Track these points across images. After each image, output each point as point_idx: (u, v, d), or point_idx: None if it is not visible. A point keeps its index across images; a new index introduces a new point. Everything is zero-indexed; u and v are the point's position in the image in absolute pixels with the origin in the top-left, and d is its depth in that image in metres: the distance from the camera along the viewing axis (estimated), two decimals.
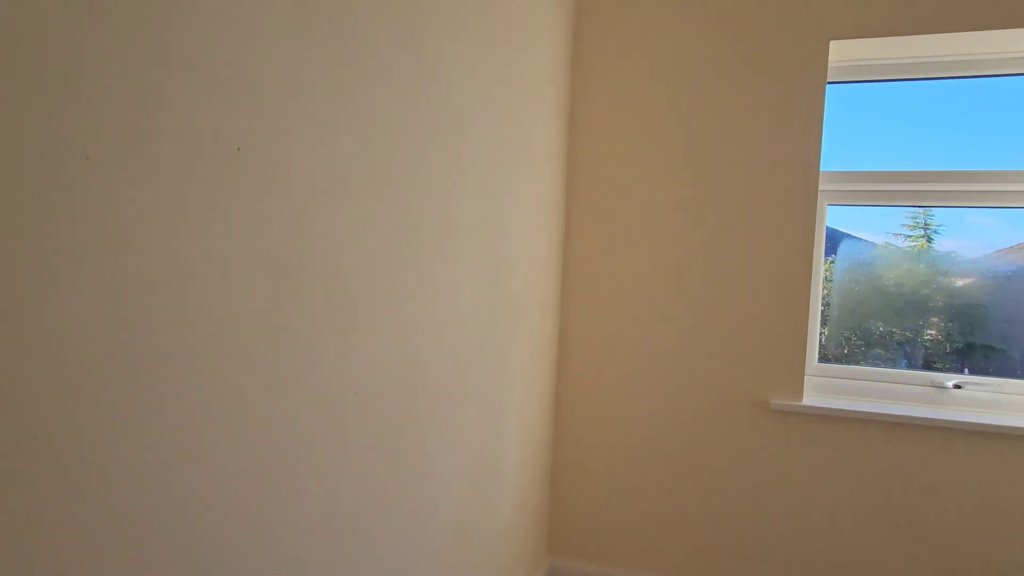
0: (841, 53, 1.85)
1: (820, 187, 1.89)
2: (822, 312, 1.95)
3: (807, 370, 1.96)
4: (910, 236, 1.60)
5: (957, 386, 1.89)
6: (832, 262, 1.95)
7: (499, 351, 1.48)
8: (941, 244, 1.57)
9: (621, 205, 1.96)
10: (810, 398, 1.93)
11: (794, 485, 1.86)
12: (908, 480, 1.76)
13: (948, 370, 1.83)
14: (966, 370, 1.76)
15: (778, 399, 1.88)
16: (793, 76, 1.81)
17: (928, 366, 1.74)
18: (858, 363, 1.94)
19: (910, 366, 1.77)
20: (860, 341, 1.74)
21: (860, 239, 1.73)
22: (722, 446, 1.91)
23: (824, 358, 1.99)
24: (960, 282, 1.58)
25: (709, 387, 1.90)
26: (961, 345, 1.62)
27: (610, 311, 1.98)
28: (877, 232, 1.73)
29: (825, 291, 1.96)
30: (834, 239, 1.92)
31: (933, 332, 1.64)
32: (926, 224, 1.58)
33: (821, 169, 1.85)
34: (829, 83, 1.83)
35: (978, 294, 1.55)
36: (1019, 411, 1.80)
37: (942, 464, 1.72)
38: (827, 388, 1.99)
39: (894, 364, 1.84)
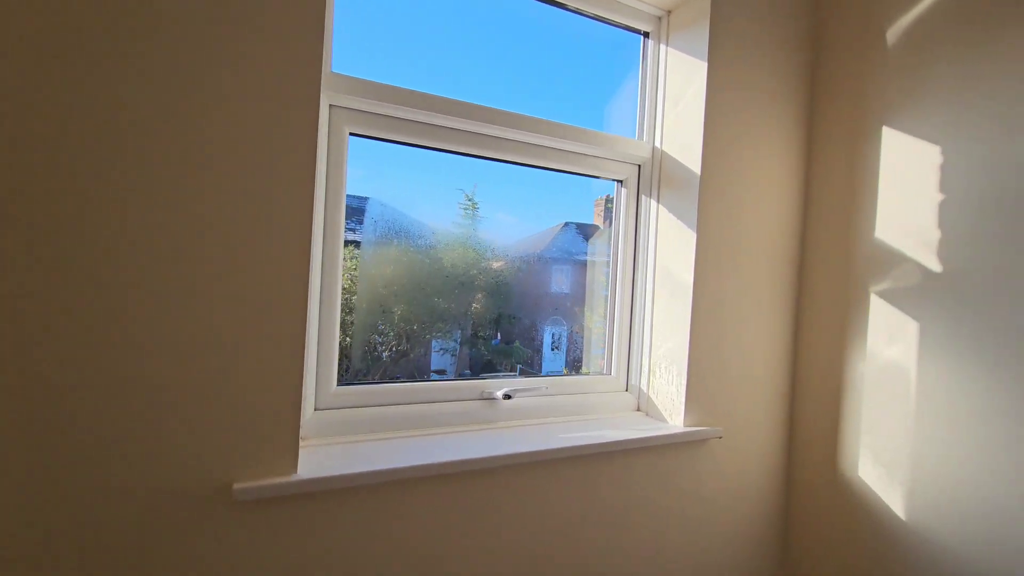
0: None
1: (332, 98, 1.32)
2: (345, 317, 1.44)
3: (313, 409, 1.35)
4: (462, 224, 1.62)
5: (508, 396, 1.37)
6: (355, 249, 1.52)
7: None
8: (483, 232, 1.65)
9: None
10: (313, 460, 1.13)
11: None
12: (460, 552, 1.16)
13: (488, 337, 1.77)
14: (498, 336, 1.77)
15: (250, 479, 0.95)
16: None
17: (475, 335, 1.75)
18: (409, 357, 1.63)
19: (462, 338, 1.74)
20: (417, 327, 1.63)
21: (422, 223, 1.59)
22: None
23: (359, 373, 1.51)
24: (496, 264, 1.68)
25: (104, 479, 0.84)
26: (496, 315, 1.75)
27: None
28: (436, 219, 1.62)
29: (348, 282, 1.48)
30: (385, 219, 1.56)
31: (478, 306, 1.72)
32: (474, 214, 1.61)
33: (333, 69, 1.28)
34: None
35: (506, 274, 1.70)
36: (565, 414, 1.66)
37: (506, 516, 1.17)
38: (349, 425, 1.38)
39: (451, 337, 1.71)
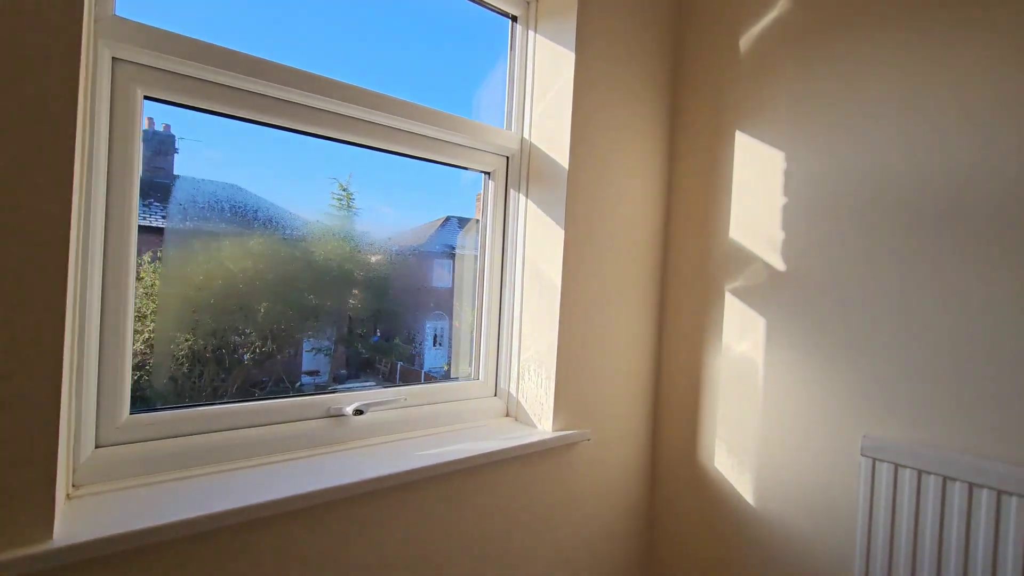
0: None
1: (116, 49, 1.05)
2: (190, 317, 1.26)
3: (94, 447, 1.08)
4: (336, 216, 1.49)
5: (359, 411, 1.19)
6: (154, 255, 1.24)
7: None
8: (360, 225, 1.54)
9: None
10: (83, 517, 0.90)
11: None
12: None
13: (366, 334, 1.65)
14: (378, 334, 1.68)
15: None
16: None
17: (352, 333, 1.64)
18: (276, 359, 1.43)
19: (338, 337, 1.61)
20: (285, 326, 1.46)
21: (291, 213, 1.44)
22: None
23: (193, 390, 1.28)
24: (374, 258, 1.59)
25: None
26: (375, 311, 1.66)
27: None
28: (308, 209, 1.46)
29: (146, 285, 1.20)
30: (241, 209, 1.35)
31: (355, 302, 1.60)
32: (349, 205, 1.49)
33: (116, 11, 1.02)
34: None
35: (385, 269, 1.62)
36: (429, 426, 1.53)
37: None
38: (148, 463, 1.13)
39: (325, 335, 1.58)
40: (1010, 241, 1.23)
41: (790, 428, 1.57)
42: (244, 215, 1.33)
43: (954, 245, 1.30)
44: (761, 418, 1.63)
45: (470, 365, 1.69)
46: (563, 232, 1.55)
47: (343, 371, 1.59)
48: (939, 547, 1.27)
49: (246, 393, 1.35)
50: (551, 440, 1.51)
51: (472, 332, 1.70)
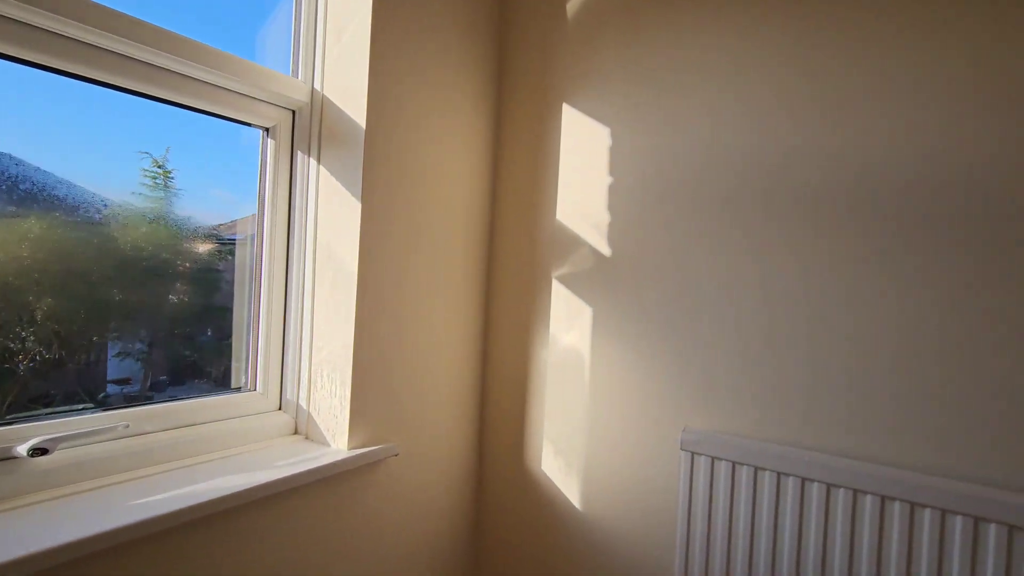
0: None
1: None
2: None
3: None
4: (151, 197, 1.27)
5: (39, 451, 0.81)
6: None
7: None
8: (182, 208, 1.31)
9: None
10: None
11: None
12: None
13: (190, 335, 1.38)
14: (208, 332, 1.41)
15: None
16: None
17: (173, 332, 1.36)
18: (67, 367, 1.14)
19: (153, 338, 1.31)
20: (77, 328, 1.17)
21: (89, 192, 1.18)
22: None
23: None
24: (201, 247, 1.36)
25: None
26: (201, 307, 1.39)
27: None
28: (110, 188, 1.20)
29: None
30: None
31: (177, 297, 1.35)
32: (167, 184, 1.27)
33: None
34: None
35: (215, 258, 1.39)
36: (175, 458, 1.16)
37: None
38: None
39: (137, 337, 1.29)
40: (824, 226, 1.22)
41: (615, 424, 1.47)
42: (14, 191, 1.06)
43: (776, 231, 1.28)
44: (588, 415, 1.51)
45: (245, 374, 1.34)
46: (360, 205, 1.27)
47: (163, 378, 1.36)
48: (751, 536, 1.24)
49: (25, 408, 1.08)
50: (345, 462, 1.23)
51: (247, 332, 1.35)
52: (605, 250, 1.48)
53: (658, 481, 1.40)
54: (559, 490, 1.55)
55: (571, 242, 1.54)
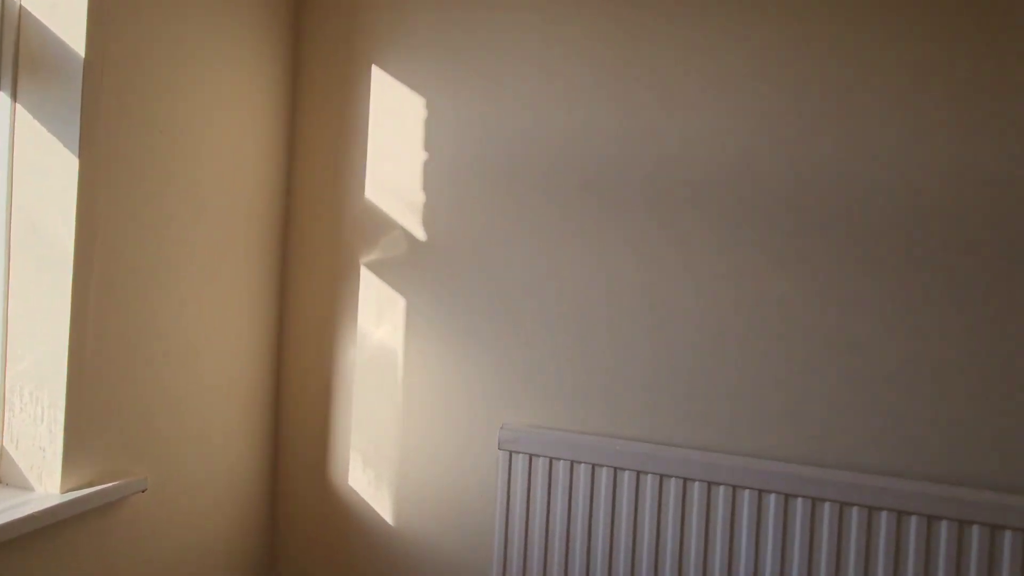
0: None
1: None
2: None
3: None
4: None
5: None
6: None
7: None
8: None
9: None
10: None
11: None
12: None
13: None
14: None
15: None
16: None
17: None
18: None
19: None
20: None
21: None
22: None
23: None
24: None
25: None
26: None
27: None
28: None
29: None
30: None
31: None
32: None
33: None
34: None
35: None
36: None
37: None
38: None
39: None
40: (636, 215, 1.21)
41: (430, 427, 1.33)
42: None
43: (598, 218, 1.24)
44: (401, 419, 1.35)
45: None
46: (76, 161, 0.93)
47: None
48: (567, 531, 1.20)
49: None
50: (58, 509, 0.90)
51: None
52: (420, 234, 1.32)
53: (476, 485, 1.29)
54: (369, 505, 1.36)
55: (382, 223, 1.36)
